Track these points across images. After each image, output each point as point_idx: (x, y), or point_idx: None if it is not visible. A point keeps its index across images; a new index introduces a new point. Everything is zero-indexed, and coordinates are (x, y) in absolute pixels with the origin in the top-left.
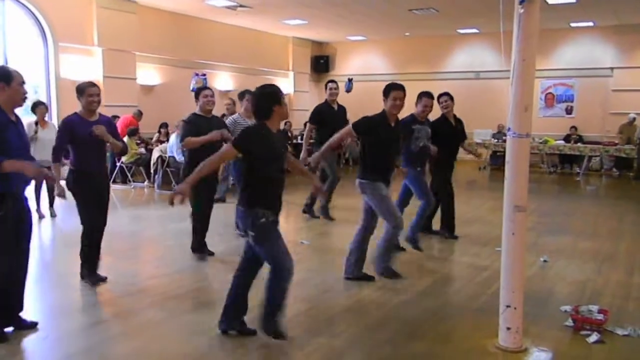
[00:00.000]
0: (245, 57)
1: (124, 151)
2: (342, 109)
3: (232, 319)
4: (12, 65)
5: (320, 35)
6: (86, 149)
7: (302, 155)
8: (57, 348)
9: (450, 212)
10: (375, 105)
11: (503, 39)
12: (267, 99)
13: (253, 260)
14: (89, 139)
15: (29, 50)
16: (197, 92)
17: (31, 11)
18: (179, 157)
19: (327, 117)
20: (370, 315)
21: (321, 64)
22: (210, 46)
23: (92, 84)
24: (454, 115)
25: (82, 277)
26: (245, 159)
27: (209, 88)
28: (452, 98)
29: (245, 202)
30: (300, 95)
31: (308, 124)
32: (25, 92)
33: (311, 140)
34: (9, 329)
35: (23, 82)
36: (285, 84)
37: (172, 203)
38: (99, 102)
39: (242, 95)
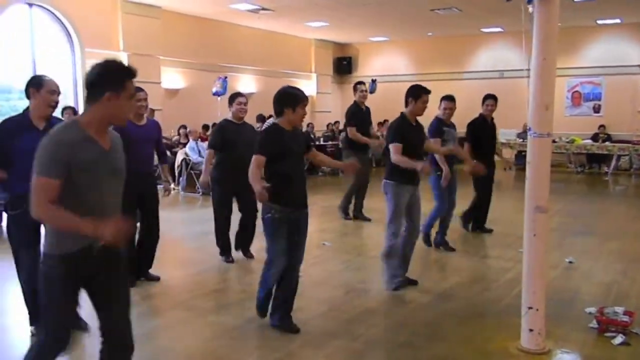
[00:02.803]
0: (268, 60)
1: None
2: (368, 110)
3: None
4: (40, 71)
5: (343, 36)
6: (135, 152)
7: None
8: (82, 347)
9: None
10: (399, 105)
11: (525, 38)
12: (281, 100)
13: None
14: (139, 142)
15: (56, 56)
16: (232, 98)
17: (58, 18)
18: (195, 158)
19: (357, 117)
20: (390, 317)
21: (344, 66)
22: (234, 49)
23: (139, 89)
24: (492, 118)
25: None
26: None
27: (243, 95)
28: (496, 102)
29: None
30: (322, 97)
31: (349, 127)
32: (56, 101)
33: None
34: None
35: (54, 91)
36: (308, 86)
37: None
38: (146, 107)
39: None
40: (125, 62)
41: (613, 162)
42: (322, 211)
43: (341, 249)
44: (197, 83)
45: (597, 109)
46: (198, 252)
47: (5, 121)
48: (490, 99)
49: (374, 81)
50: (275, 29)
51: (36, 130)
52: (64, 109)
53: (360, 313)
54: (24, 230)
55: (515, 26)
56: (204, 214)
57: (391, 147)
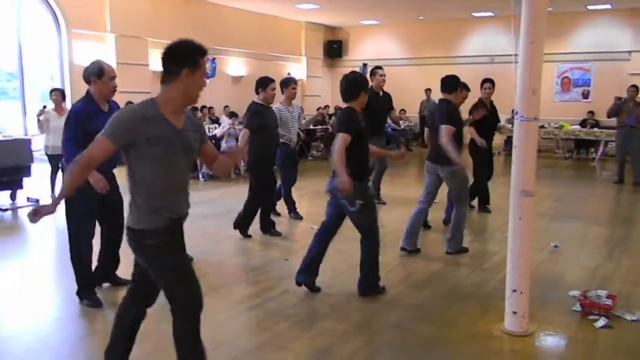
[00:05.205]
0: (257, 43)
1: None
2: (387, 96)
3: (310, 274)
4: (27, 53)
5: (333, 19)
6: None
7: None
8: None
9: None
10: (389, 89)
11: (514, 22)
12: (359, 84)
13: (337, 221)
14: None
15: (43, 38)
16: (264, 83)
17: None
18: None
19: (373, 102)
20: (377, 300)
21: (334, 49)
22: (223, 31)
23: None
24: (491, 102)
25: None
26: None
27: (274, 80)
28: (494, 85)
29: (356, 175)
30: (313, 80)
31: None
32: (115, 86)
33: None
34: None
35: (113, 77)
36: (298, 70)
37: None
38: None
39: (286, 82)
40: (113, 44)
41: (601, 148)
42: (312, 195)
43: None
44: None
45: (586, 95)
46: (193, 233)
47: (80, 107)
48: (488, 82)
49: (365, 65)
50: (266, 11)
51: (104, 113)
52: (52, 90)
53: (347, 296)
54: (89, 202)
55: (506, 11)
56: (204, 197)
57: (444, 129)
